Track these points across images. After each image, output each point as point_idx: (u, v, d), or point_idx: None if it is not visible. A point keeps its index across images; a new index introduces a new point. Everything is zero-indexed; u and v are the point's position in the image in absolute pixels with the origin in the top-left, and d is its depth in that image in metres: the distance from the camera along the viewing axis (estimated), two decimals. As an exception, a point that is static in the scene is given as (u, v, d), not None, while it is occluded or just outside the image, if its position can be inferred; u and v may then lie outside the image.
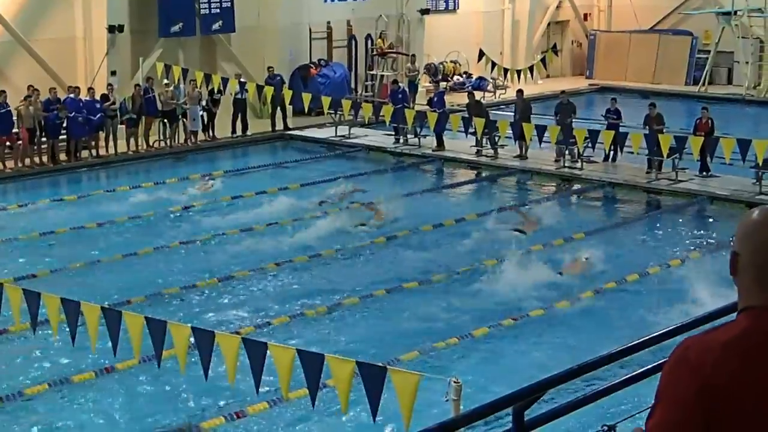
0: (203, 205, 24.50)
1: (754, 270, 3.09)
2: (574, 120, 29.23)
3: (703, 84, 41.34)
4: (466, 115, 29.43)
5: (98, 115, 28.33)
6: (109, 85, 29.53)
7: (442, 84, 39.53)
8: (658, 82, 42.89)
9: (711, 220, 24.31)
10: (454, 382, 9.68)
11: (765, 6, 39.99)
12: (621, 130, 27.76)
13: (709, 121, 27.11)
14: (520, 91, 31.19)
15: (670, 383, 3.06)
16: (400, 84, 33.77)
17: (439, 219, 23.40)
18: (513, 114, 30.49)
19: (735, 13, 40.29)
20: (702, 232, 23.24)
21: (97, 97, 28.63)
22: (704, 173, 26.64)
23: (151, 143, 29.87)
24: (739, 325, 3.10)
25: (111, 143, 28.93)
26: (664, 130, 27.23)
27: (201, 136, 30.86)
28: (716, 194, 25.32)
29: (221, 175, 27.44)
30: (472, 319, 17.21)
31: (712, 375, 2.99)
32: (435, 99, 32.58)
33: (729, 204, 24.73)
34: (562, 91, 31.60)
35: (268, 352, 11.22)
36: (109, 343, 12.49)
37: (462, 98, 33.77)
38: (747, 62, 40.87)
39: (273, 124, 32.56)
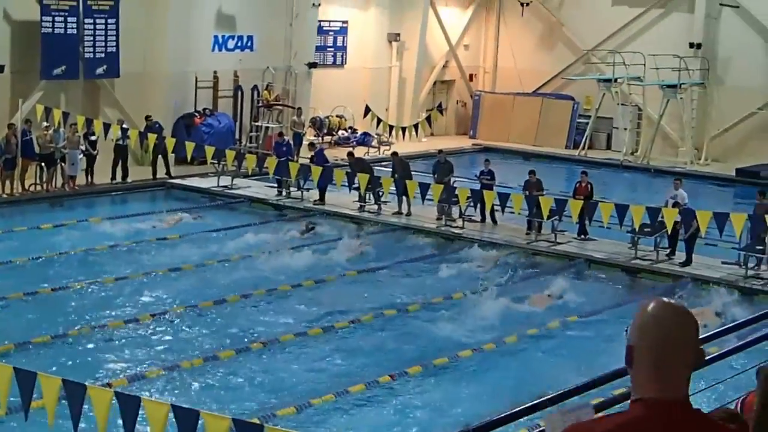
0: (78, 252, 23.93)
1: (648, 363, 3.19)
2: (454, 179, 29.48)
3: (583, 148, 42.10)
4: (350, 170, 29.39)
5: (-27, 157, 27.60)
6: (-14, 126, 28.79)
7: (326, 138, 39.55)
8: (539, 144, 43.51)
9: (588, 282, 24.54)
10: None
11: (644, 75, 41.00)
12: (500, 190, 27.96)
13: (589, 185, 27.58)
14: (394, 154, 31.39)
15: None
16: (285, 137, 33.57)
17: (316, 274, 23.30)
18: (392, 173, 30.40)
19: (615, 80, 41.21)
20: (580, 296, 23.39)
21: (-27, 138, 27.90)
22: (582, 236, 27.03)
23: (27, 187, 29.14)
24: (629, 414, 3.20)
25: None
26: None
27: (80, 181, 30.22)
28: (593, 257, 25.68)
29: (110, 219, 27.00)
30: (350, 376, 17.06)
31: None
32: (315, 158, 31.64)
33: (605, 267, 25.15)
34: (440, 151, 31.76)
35: (141, 406, 10.89)
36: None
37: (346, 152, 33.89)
38: (626, 129, 41.80)
39: (154, 172, 32.08)
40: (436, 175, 29.46)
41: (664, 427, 3.15)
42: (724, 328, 5.85)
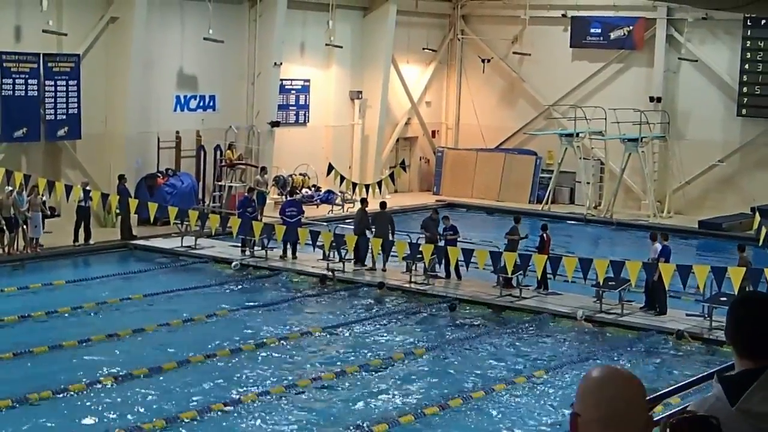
0: (43, 316, 23.69)
1: (596, 428, 3.15)
2: (418, 236, 29.46)
3: (547, 202, 42.26)
4: (314, 229, 29.36)
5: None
6: (-54, 190, 28.54)
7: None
8: (503, 199, 43.63)
9: (552, 336, 24.53)
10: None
11: (605, 129, 41.33)
12: (466, 246, 27.96)
13: (542, 237, 27.63)
14: (383, 204, 31.08)
15: None
16: (253, 193, 33.43)
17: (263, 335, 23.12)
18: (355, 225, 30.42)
19: (577, 135, 41.51)
20: (545, 349, 23.40)
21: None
22: (541, 288, 27.07)
23: (-12, 250, 28.91)
24: None
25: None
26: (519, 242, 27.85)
27: (43, 243, 29.97)
28: (558, 311, 25.69)
29: (62, 285, 26.77)
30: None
31: None
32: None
33: (570, 321, 25.17)
34: (436, 210, 31.60)
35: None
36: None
37: (310, 211, 33.86)
38: (588, 183, 42.02)
39: (122, 233, 31.83)
40: (428, 232, 29.21)
41: None
42: (671, 388, 5.78)
